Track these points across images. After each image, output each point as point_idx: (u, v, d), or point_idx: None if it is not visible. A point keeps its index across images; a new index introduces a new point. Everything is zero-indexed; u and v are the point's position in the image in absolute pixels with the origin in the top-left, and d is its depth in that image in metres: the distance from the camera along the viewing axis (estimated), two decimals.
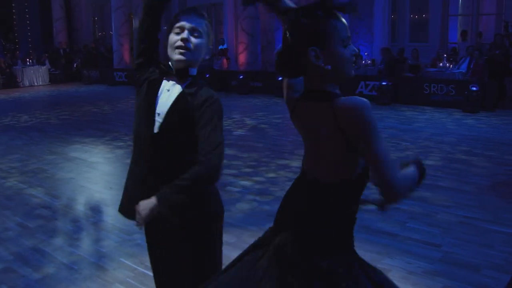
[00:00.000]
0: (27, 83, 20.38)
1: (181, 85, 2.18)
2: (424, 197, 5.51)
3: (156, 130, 2.16)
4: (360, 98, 1.66)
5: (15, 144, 9.04)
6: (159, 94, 2.19)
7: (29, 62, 20.92)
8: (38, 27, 24.02)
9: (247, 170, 6.77)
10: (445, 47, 15.46)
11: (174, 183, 2.02)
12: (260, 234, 2.00)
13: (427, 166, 6.00)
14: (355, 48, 1.80)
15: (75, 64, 22.01)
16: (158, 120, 2.16)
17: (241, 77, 15.23)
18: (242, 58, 16.51)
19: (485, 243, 4.28)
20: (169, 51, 2.17)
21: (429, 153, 7.44)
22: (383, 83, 12.33)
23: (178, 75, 2.16)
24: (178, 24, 2.15)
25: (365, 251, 4.17)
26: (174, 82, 2.19)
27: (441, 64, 12.97)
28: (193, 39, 2.14)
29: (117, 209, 2.40)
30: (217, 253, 2.30)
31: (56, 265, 4.09)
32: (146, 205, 2.02)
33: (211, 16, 21.39)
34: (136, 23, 21.37)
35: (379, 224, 4.75)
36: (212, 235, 2.26)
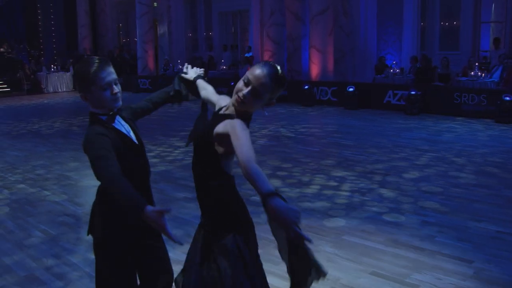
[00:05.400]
0: (51, 89, 20.75)
1: None
2: (454, 210, 5.33)
3: None
4: None
5: (39, 151, 9.13)
6: None
7: (53, 68, 21.30)
8: (63, 34, 24.43)
9: (271, 180, 6.67)
10: (477, 55, 15.15)
11: None
12: None
13: (458, 178, 5.77)
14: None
15: None
16: None
17: None
18: None
19: None
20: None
21: (460, 165, 7.23)
22: (412, 93, 12.11)
23: None
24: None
25: (393, 265, 4.04)
26: None
27: (472, 73, 12.66)
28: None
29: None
30: None
31: (79, 273, 4.07)
32: None
33: (236, 23, 21.45)
34: (160, 30, 21.55)
35: (407, 238, 4.61)
36: None
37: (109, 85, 2.44)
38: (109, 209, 2.54)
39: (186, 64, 3.04)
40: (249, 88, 2.20)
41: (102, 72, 2.42)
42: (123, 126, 2.59)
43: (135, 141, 2.61)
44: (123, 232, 2.55)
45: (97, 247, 2.60)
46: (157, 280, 2.72)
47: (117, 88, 2.49)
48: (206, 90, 2.80)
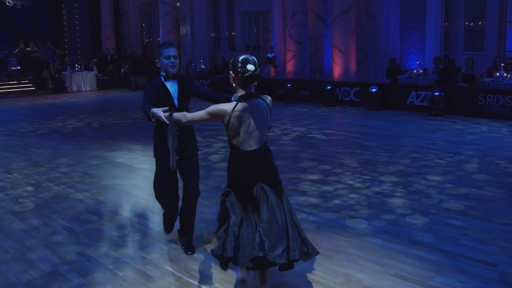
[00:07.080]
0: (75, 89, 20.98)
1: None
2: (478, 213, 5.25)
3: None
4: None
5: (63, 149, 9.24)
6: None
7: (77, 67, 21.56)
8: (87, 34, 24.66)
9: (294, 180, 6.67)
10: (502, 55, 14.86)
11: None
12: None
13: (482, 181, 5.68)
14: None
15: (122, 70, 22.47)
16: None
17: (289, 85, 15.12)
18: (290, 66, 16.42)
19: None
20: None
21: (484, 168, 7.12)
22: (435, 93, 11.96)
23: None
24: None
25: (416, 267, 4.00)
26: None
27: (497, 73, 12.43)
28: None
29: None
30: None
31: (101, 270, 4.12)
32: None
33: (259, 23, 21.43)
34: (183, 30, 21.62)
35: (430, 240, 4.55)
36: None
37: (169, 57, 4.09)
38: (155, 135, 4.25)
39: None
40: None
41: (165, 49, 4.11)
42: (172, 86, 4.17)
43: (173, 97, 4.16)
44: (160, 148, 4.15)
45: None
46: (185, 193, 4.27)
47: (173, 59, 4.09)
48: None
